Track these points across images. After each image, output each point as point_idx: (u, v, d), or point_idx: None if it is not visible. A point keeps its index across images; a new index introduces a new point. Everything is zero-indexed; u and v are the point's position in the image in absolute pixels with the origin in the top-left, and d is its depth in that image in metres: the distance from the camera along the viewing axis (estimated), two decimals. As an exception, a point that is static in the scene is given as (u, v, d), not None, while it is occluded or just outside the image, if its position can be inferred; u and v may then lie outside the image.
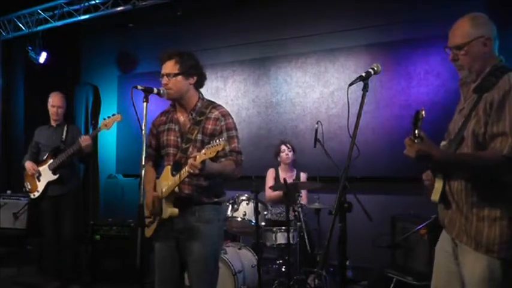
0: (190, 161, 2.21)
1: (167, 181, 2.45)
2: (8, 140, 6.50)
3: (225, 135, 2.49)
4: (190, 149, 2.48)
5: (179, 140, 2.55)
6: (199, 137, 2.50)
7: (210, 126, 2.51)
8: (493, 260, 1.81)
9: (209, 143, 2.21)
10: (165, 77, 2.51)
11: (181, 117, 2.60)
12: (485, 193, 1.85)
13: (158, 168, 2.71)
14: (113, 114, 4.12)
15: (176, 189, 2.39)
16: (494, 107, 1.80)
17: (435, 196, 1.97)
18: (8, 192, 5.66)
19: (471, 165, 1.85)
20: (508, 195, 1.83)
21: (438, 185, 1.96)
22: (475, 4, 4.19)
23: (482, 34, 1.93)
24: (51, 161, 4.34)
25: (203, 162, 2.19)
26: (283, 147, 4.67)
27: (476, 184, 1.86)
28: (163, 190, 2.46)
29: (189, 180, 2.45)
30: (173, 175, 2.42)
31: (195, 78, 2.56)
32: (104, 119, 4.12)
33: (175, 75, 2.49)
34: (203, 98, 2.62)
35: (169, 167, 2.50)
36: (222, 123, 2.52)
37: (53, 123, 4.55)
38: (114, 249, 4.67)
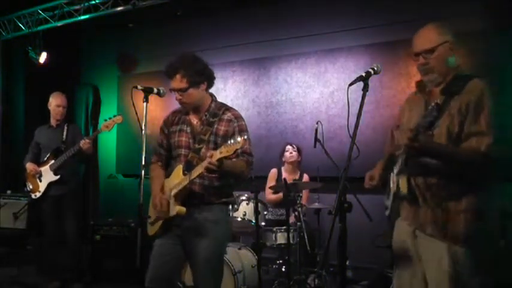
0: (207, 158, 2.24)
1: (178, 180, 2.46)
2: (8, 140, 6.49)
3: (237, 136, 2.50)
4: (203, 150, 2.50)
5: (191, 141, 2.57)
6: (212, 138, 2.52)
7: (222, 128, 2.54)
8: (458, 249, 1.95)
9: (221, 144, 2.26)
10: (176, 93, 2.53)
11: (194, 119, 2.62)
12: (453, 188, 1.98)
13: (167, 168, 2.70)
14: (114, 116, 4.11)
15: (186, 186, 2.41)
16: (471, 108, 1.94)
17: (404, 189, 2.08)
18: (8, 192, 5.66)
19: (457, 158, 1.98)
20: (473, 190, 1.98)
21: (403, 181, 2.08)
22: (475, 4, 4.19)
23: (447, 40, 2.07)
24: (52, 161, 4.33)
25: (220, 160, 2.21)
26: (288, 146, 4.64)
27: (444, 179, 1.99)
28: (173, 188, 2.47)
29: (201, 180, 2.48)
30: (185, 174, 2.43)
31: (205, 83, 2.57)
32: (105, 120, 4.11)
33: (186, 89, 2.49)
34: (215, 100, 2.65)
35: (180, 166, 2.51)
36: (235, 124, 2.54)
37: (53, 123, 4.52)
38: (114, 249, 4.65)
